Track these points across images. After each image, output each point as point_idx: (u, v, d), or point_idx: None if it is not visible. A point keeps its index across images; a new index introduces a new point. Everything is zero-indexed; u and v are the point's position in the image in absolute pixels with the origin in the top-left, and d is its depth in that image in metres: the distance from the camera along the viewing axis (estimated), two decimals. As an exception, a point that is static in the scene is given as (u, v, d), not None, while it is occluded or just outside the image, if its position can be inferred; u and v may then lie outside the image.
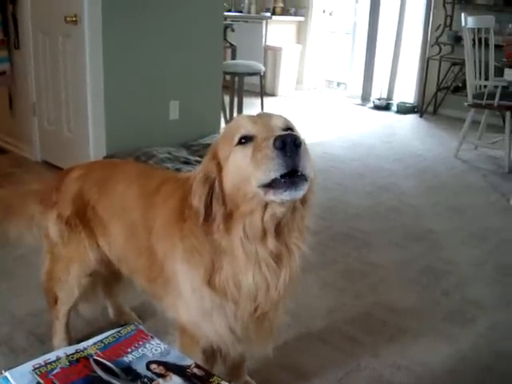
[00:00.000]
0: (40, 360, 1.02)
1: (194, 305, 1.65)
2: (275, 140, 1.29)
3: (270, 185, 1.32)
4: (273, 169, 1.30)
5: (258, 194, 1.36)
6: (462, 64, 6.16)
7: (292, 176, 1.30)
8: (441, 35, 7.28)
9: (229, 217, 1.46)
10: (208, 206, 1.47)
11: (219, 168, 1.46)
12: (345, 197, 4.44)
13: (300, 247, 1.54)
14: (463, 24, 5.31)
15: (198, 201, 1.48)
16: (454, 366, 2.41)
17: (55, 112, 4.64)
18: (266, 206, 1.41)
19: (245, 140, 1.41)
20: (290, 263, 1.53)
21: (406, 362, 2.42)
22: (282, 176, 1.30)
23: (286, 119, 1.49)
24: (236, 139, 1.42)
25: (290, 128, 1.46)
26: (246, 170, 1.37)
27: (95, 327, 2.43)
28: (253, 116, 1.51)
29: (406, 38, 7.92)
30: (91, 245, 2.07)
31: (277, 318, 1.69)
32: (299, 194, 1.33)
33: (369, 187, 4.71)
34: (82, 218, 2.05)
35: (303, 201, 1.48)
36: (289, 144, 1.28)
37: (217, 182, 1.45)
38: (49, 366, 1.00)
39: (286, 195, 1.32)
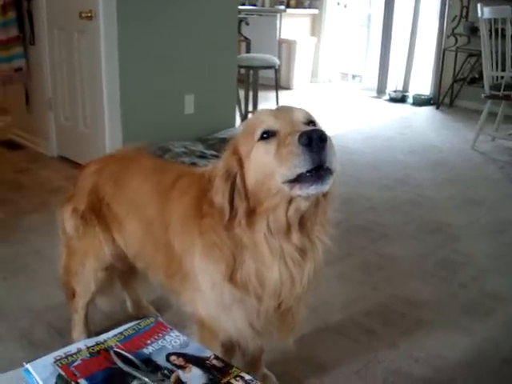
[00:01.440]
0: (61, 352, 1.02)
1: (213, 300, 1.65)
2: (301, 136, 1.27)
3: (296, 179, 1.30)
4: (299, 165, 1.28)
5: (282, 189, 1.35)
6: (479, 55, 6.10)
7: (318, 170, 1.28)
8: (457, 26, 7.23)
9: (251, 212, 1.44)
10: (230, 202, 1.45)
11: (241, 163, 1.43)
12: (360, 189, 4.43)
13: (323, 240, 1.52)
14: (479, 15, 5.26)
15: (221, 197, 1.45)
16: (472, 359, 2.41)
17: (71, 107, 4.67)
18: (290, 200, 1.39)
19: (267, 135, 1.38)
20: (314, 257, 1.52)
21: (423, 355, 2.41)
22: (308, 170, 1.28)
23: (307, 112, 1.47)
24: (258, 134, 1.39)
25: (312, 121, 1.44)
26: (269, 166, 1.35)
27: (114, 320, 2.45)
28: (274, 110, 1.49)
29: (422, 30, 7.89)
30: (106, 239, 2.09)
31: (299, 311, 1.69)
32: (325, 187, 1.32)
33: (384, 180, 4.69)
34: (97, 213, 2.07)
35: (325, 194, 1.46)
36: (315, 139, 1.26)
37: (239, 177, 1.43)
38: (70, 357, 1.01)
39: (312, 189, 1.31)
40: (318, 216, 1.49)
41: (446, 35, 7.43)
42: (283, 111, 1.47)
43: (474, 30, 6.88)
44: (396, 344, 2.48)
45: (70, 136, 4.75)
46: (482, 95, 5.48)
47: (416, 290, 2.95)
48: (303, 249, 1.49)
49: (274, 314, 1.60)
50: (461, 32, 7.20)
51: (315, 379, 2.24)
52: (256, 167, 1.40)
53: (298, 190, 1.32)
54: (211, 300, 1.65)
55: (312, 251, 1.51)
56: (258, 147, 1.39)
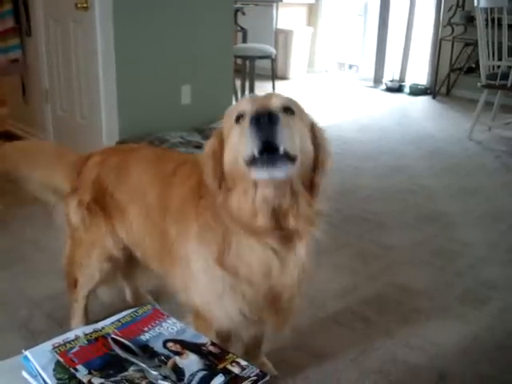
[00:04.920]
0: (59, 339, 1.04)
1: (206, 286, 1.67)
2: (251, 116, 1.32)
3: (252, 163, 1.34)
4: (249, 144, 1.32)
5: (245, 171, 1.38)
6: (475, 44, 6.10)
7: (272, 154, 1.31)
8: (453, 15, 7.20)
9: (229, 192, 1.48)
10: (219, 182, 1.50)
11: (222, 144, 1.49)
12: (357, 179, 4.44)
13: (309, 233, 1.54)
14: (476, 4, 5.26)
15: (209, 177, 1.52)
16: (467, 346, 2.43)
17: (68, 98, 4.66)
18: (255, 185, 1.42)
19: (243, 118, 1.42)
20: (297, 250, 1.55)
21: (419, 342, 2.43)
22: (260, 153, 1.31)
23: (288, 100, 1.48)
24: (233, 117, 1.45)
25: (289, 108, 1.45)
26: (236, 148, 1.41)
27: (112, 310, 2.44)
28: (257, 96, 1.53)
29: (418, 19, 7.85)
30: (111, 230, 2.10)
31: (293, 303, 1.70)
32: (279, 173, 1.34)
33: (381, 169, 4.70)
34: (102, 204, 2.08)
35: (312, 186, 1.48)
36: (262, 119, 1.29)
37: (222, 158, 1.48)
38: (68, 344, 1.03)
39: (264, 173, 1.34)
40: (302, 208, 1.48)
41: (443, 25, 7.40)
42: (264, 97, 1.50)
43: (470, 20, 6.85)
44: (392, 332, 2.50)
45: (67, 127, 4.75)
46: (479, 84, 5.48)
47: (412, 279, 2.97)
48: (287, 237, 1.51)
49: (266, 304, 1.62)
50: (457, 21, 7.18)
51: (312, 367, 2.26)
52: (229, 148, 1.45)
53: (254, 173, 1.36)
54: (204, 286, 1.68)
55: (297, 243, 1.54)
56: (233, 129, 1.44)
